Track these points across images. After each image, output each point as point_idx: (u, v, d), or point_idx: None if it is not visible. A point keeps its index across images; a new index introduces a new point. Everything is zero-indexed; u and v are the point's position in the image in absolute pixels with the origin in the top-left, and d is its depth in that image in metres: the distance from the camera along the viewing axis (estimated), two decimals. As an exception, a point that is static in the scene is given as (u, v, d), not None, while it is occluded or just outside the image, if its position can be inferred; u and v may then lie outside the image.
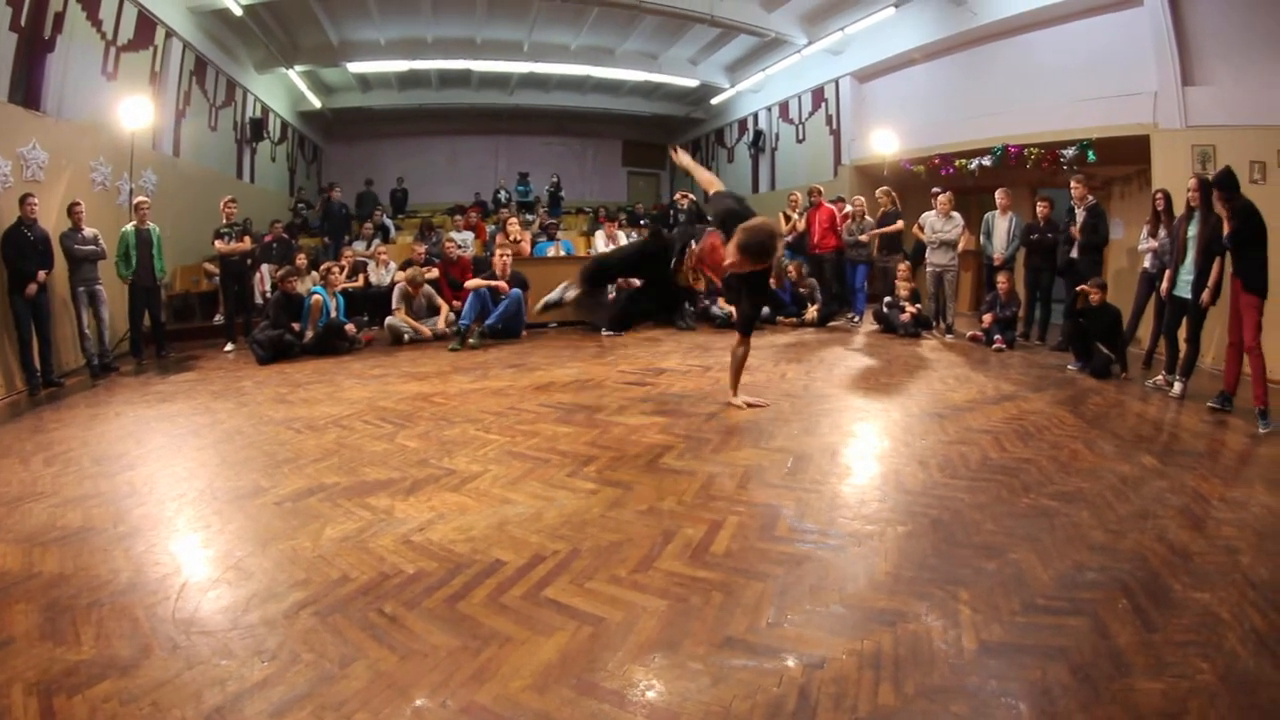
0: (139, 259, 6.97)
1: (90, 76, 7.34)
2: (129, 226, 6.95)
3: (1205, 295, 5.10)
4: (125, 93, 7.60)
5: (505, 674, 1.88)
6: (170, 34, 9.07)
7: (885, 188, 8.95)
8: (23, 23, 6.16)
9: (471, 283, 7.78)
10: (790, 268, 9.04)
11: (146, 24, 8.43)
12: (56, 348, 6.23)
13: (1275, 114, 6.37)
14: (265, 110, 13.32)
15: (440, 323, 7.90)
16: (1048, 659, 1.99)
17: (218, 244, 7.80)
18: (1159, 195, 6.33)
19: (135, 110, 7.46)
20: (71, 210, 6.31)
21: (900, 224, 8.67)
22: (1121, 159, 8.13)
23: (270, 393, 5.33)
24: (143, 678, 1.86)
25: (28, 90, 6.35)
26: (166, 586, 2.36)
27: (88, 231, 6.40)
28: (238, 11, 9.69)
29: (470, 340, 7.35)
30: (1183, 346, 5.49)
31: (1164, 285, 5.64)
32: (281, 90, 14.25)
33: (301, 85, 14.22)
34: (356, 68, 14.16)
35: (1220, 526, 2.99)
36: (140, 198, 7.29)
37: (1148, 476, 3.56)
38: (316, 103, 15.32)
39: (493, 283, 7.74)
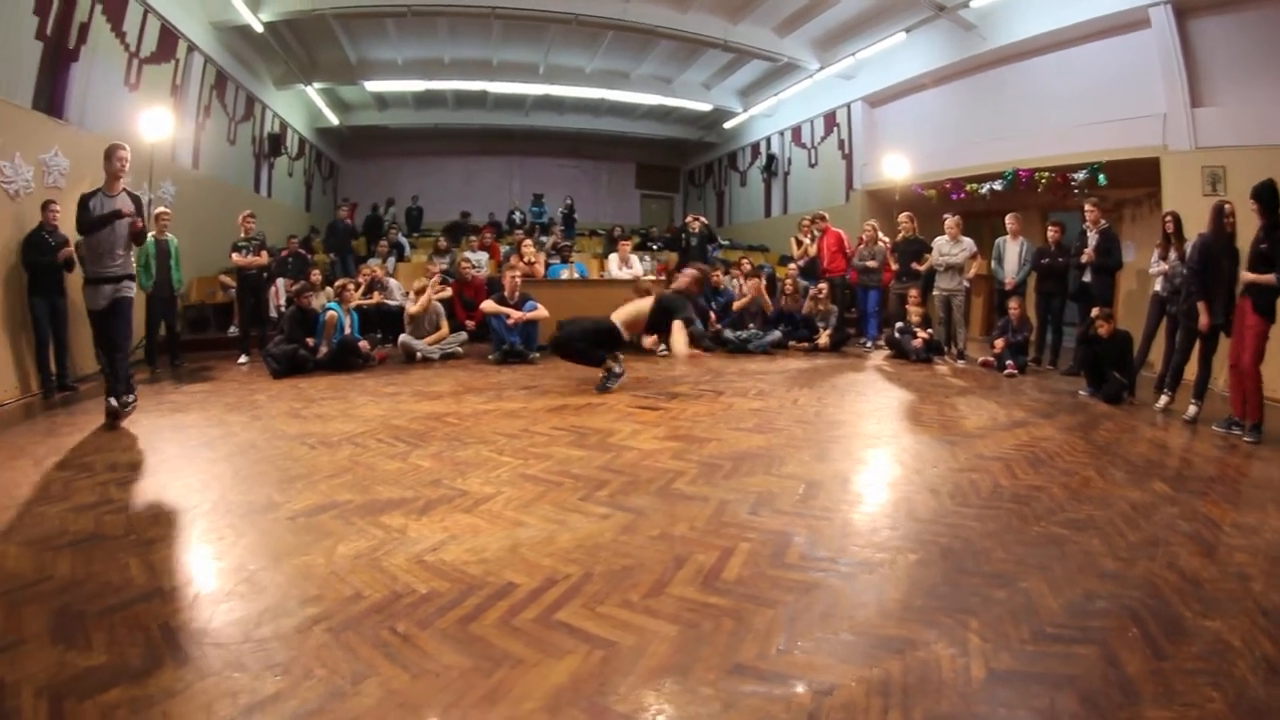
0: (157, 269, 7.07)
1: (113, 86, 7.49)
2: (148, 237, 7.00)
3: (1204, 319, 5.10)
4: (146, 104, 7.72)
5: (516, 695, 1.86)
6: (192, 48, 9.26)
7: (908, 213, 8.89)
8: (48, 32, 6.31)
9: (488, 305, 7.72)
10: (820, 291, 8.91)
11: (169, 38, 8.61)
12: (73, 352, 6.28)
13: (1283, 133, 6.33)
14: (283, 126, 13.52)
15: (450, 342, 7.90)
16: (1056, 687, 1.96)
17: (235, 257, 7.89)
18: (1168, 218, 6.30)
19: (156, 121, 7.56)
20: None
21: (930, 257, 8.30)
22: (1132, 181, 8.15)
23: (284, 407, 5.31)
24: (153, 687, 1.85)
25: (51, 98, 6.48)
26: (179, 597, 2.35)
27: None
28: (258, 28, 9.91)
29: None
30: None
31: (1203, 319, 5.21)
32: (300, 106, 14.47)
33: (319, 102, 14.46)
34: (374, 86, 14.39)
35: (1232, 553, 2.95)
36: (160, 208, 7.38)
37: (1159, 503, 3.53)
38: (334, 119, 15.54)
39: (507, 310, 7.59)
